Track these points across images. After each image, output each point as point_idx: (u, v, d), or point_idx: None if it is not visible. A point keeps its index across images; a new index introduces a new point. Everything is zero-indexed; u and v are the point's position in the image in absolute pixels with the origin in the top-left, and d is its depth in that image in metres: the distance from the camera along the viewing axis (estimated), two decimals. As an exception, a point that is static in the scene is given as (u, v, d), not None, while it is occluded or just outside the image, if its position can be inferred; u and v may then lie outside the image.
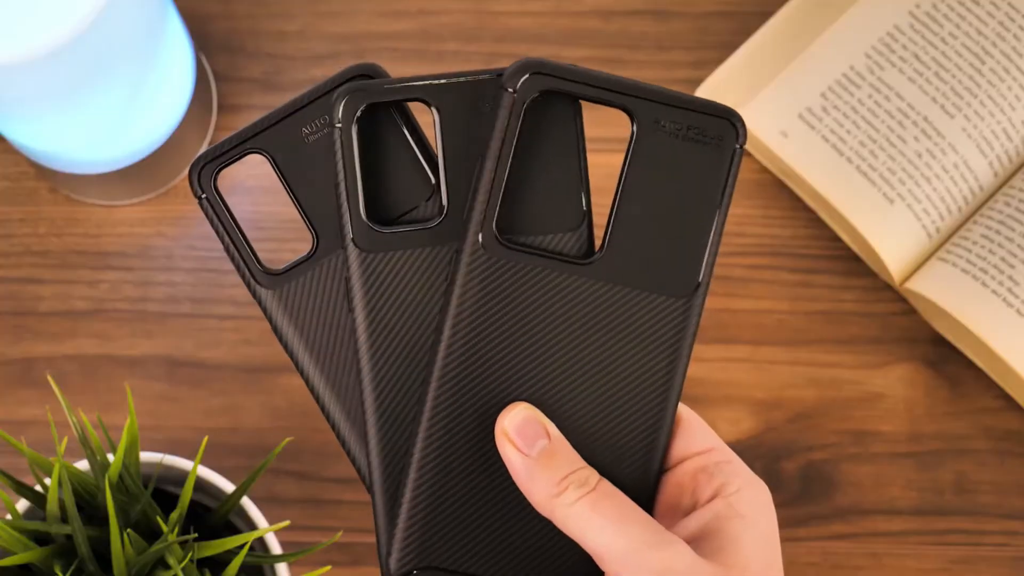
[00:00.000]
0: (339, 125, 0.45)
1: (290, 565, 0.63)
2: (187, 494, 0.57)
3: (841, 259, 0.76)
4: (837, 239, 0.76)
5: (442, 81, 0.46)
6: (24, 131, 0.71)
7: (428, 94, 0.46)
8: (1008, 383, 0.73)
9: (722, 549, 0.44)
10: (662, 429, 0.46)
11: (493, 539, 0.46)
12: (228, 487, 0.62)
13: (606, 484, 0.44)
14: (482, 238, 0.45)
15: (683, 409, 0.47)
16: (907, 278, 0.74)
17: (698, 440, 0.46)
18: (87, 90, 0.66)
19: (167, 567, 0.56)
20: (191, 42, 0.74)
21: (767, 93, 0.75)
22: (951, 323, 0.72)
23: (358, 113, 0.45)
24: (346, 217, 0.46)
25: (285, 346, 0.47)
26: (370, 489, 0.47)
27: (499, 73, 0.45)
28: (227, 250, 0.47)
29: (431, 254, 0.46)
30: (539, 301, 0.45)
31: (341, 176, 0.46)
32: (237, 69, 0.78)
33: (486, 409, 0.45)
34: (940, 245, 0.74)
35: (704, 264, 0.46)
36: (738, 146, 0.46)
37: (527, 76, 0.45)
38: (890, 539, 0.73)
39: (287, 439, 0.64)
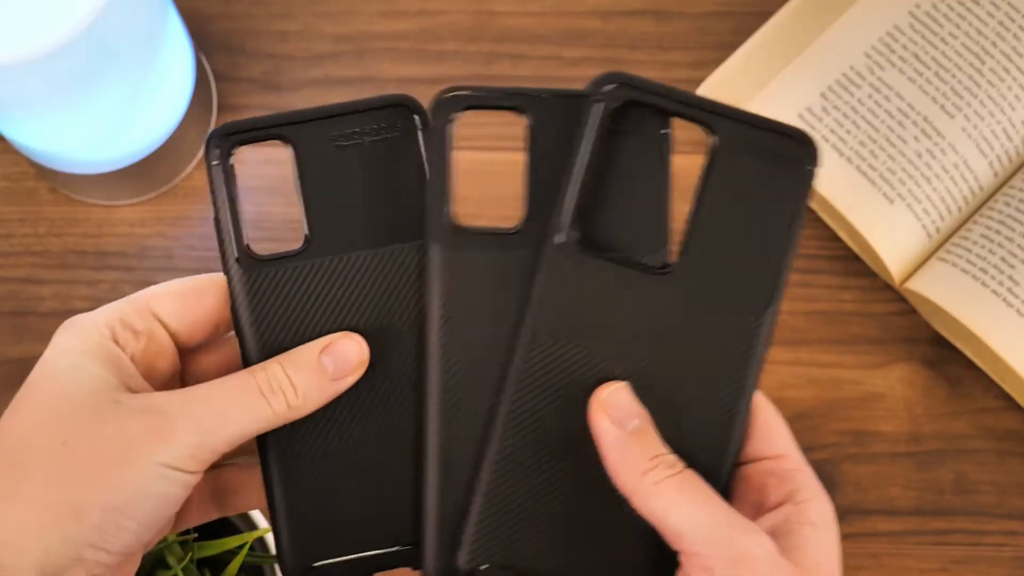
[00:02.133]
0: (433, 124, 0.46)
1: (290, 565, 0.63)
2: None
3: (841, 259, 0.76)
4: (837, 239, 0.76)
5: (539, 94, 0.47)
6: (24, 131, 0.71)
7: (524, 103, 0.47)
8: (1008, 383, 0.73)
9: (793, 549, 0.45)
10: (733, 435, 0.47)
11: (562, 539, 0.46)
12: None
13: (692, 472, 0.45)
14: (563, 241, 0.46)
15: (769, 411, 0.48)
16: (907, 278, 0.74)
17: (775, 444, 0.47)
18: (87, 90, 0.66)
19: (167, 567, 0.56)
20: (191, 42, 0.74)
21: (767, 93, 0.75)
22: (951, 323, 0.72)
23: (451, 116, 0.46)
24: (434, 214, 0.46)
25: (239, 331, 0.47)
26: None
27: (587, 93, 0.47)
28: (217, 222, 0.47)
29: (510, 258, 0.47)
30: (617, 306, 0.46)
31: (433, 174, 0.46)
32: (237, 69, 0.78)
33: (564, 406, 0.46)
34: (940, 245, 0.74)
35: (778, 282, 0.47)
36: (812, 167, 0.46)
37: (613, 87, 0.46)
38: (890, 539, 0.73)
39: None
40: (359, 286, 0.48)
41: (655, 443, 0.45)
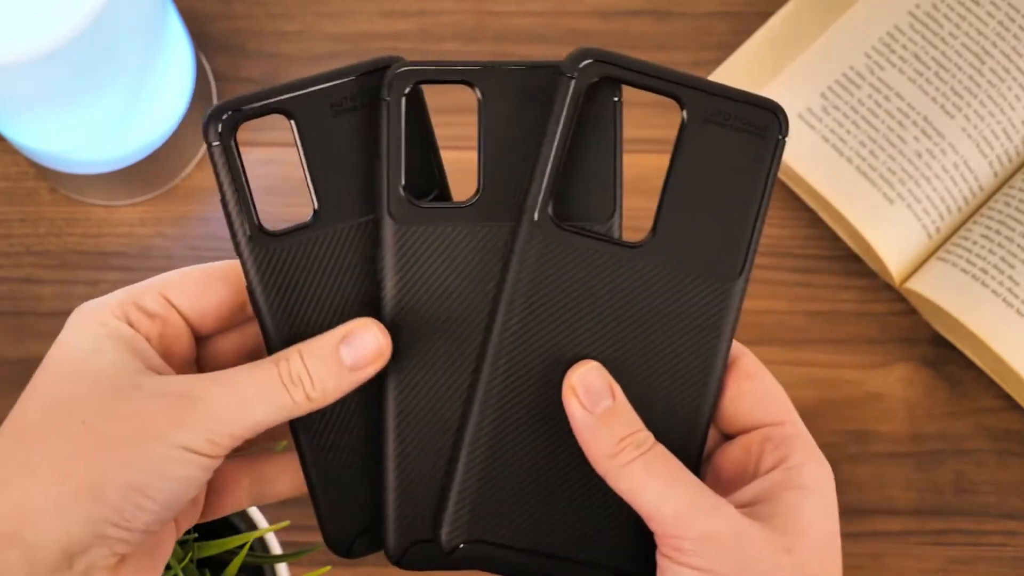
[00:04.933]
0: (388, 99, 0.46)
1: (290, 565, 0.63)
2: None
3: (841, 259, 0.76)
4: (837, 239, 0.76)
5: (490, 66, 0.47)
6: (24, 131, 0.71)
7: (475, 77, 0.47)
8: (1008, 383, 0.73)
9: (776, 515, 0.45)
10: (705, 402, 0.47)
11: (544, 514, 0.47)
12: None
13: (660, 447, 0.45)
14: (538, 218, 0.46)
15: (767, 378, 0.48)
16: (907, 278, 0.74)
17: (773, 411, 0.47)
18: (87, 90, 0.66)
19: (167, 567, 0.56)
20: (191, 42, 0.74)
21: (767, 93, 0.74)
22: (951, 323, 0.72)
23: (407, 89, 0.46)
24: (385, 188, 0.47)
25: (257, 309, 0.47)
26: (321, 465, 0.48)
27: (547, 64, 0.47)
28: (224, 202, 0.47)
29: (465, 232, 0.47)
30: (592, 279, 0.47)
31: (384, 148, 0.46)
32: (237, 69, 0.78)
33: (543, 381, 0.46)
34: (940, 245, 0.74)
35: (748, 250, 0.47)
36: (780, 137, 0.47)
37: (587, 63, 0.46)
38: (890, 539, 0.73)
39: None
40: (370, 251, 0.48)
41: (625, 423, 0.45)
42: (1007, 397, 0.74)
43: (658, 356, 0.47)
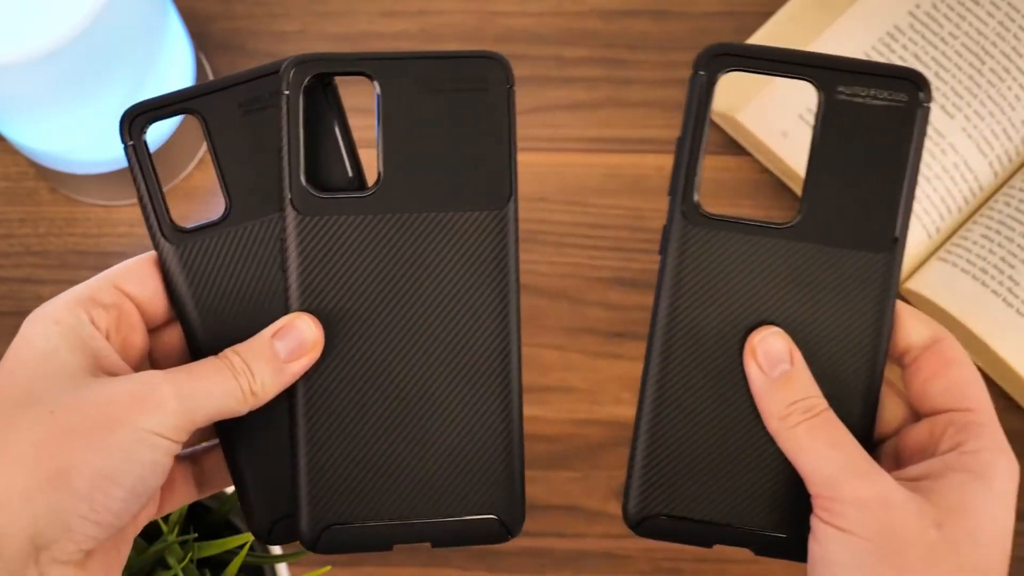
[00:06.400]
0: (287, 92, 0.47)
1: (290, 565, 0.63)
2: (187, 494, 0.57)
3: (841, 259, 0.76)
4: (837, 239, 0.76)
5: (388, 58, 0.48)
6: (24, 131, 0.71)
7: (372, 69, 0.48)
8: (1008, 383, 0.73)
9: (936, 491, 0.45)
10: (876, 370, 0.48)
11: (718, 486, 0.48)
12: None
13: (830, 414, 0.47)
14: (687, 207, 0.48)
15: (967, 367, 0.48)
16: (907, 278, 0.74)
17: (964, 397, 0.48)
18: (87, 90, 0.66)
19: (167, 567, 0.56)
20: (191, 42, 0.74)
21: (767, 93, 0.75)
22: (951, 323, 0.72)
23: (305, 82, 0.47)
24: (287, 180, 0.47)
25: (175, 303, 0.49)
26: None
27: (446, 55, 0.48)
28: (140, 200, 0.49)
29: (367, 221, 0.48)
30: (752, 262, 0.48)
31: (285, 140, 0.47)
32: (237, 69, 0.78)
33: (716, 359, 0.48)
34: (940, 245, 0.74)
35: (900, 217, 0.48)
36: (923, 104, 0.48)
37: (716, 56, 0.48)
38: (890, 539, 0.73)
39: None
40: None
41: (799, 387, 0.47)
42: (1007, 397, 0.74)
43: (824, 329, 0.48)
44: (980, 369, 0.74)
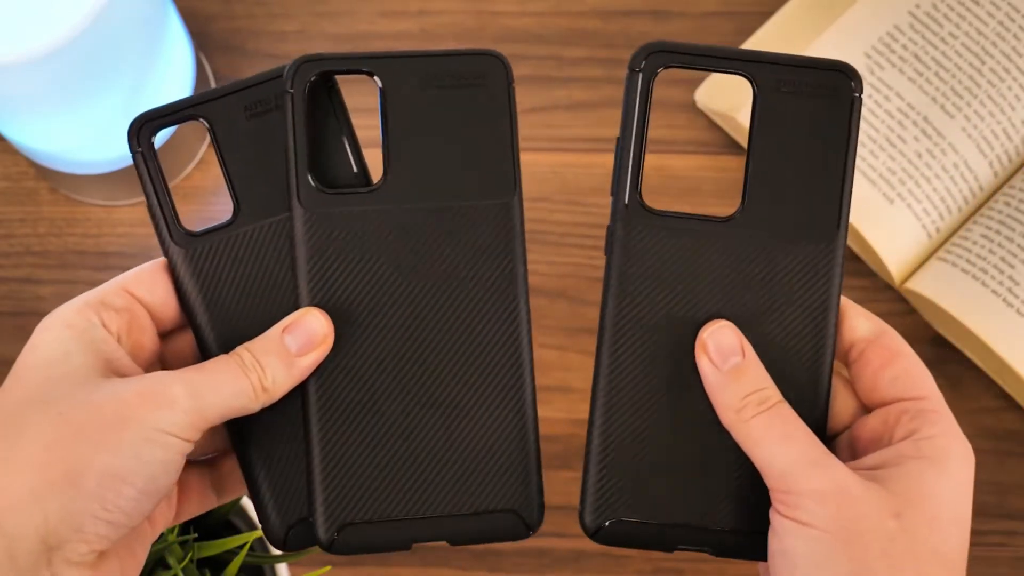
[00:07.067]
0: (291, 91, 0.48)
1: (290, 565, 0.63)
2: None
3: (841, 259, 0.76)
4: (837, 239, 0.76)
5: (391, 56, 0.48)
6: (24, 131, 0.71)
7: (374, 67, 0.48)
8: (1008, 383, 0.73)
9: (892, 480, 0.45)
10: (824, 360, 0.48)
11: (675, 488, 0.48)
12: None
13: (784, 406, 0.47)
14: (629, 205, 0.48)
15: (912, 358, 0.48)
16: (907, 278, 0.74)
17: (914, 387, 0.48)
18: (87, 90, 0.66)
19: (167, 567, 0.56)
20: (191, 42, 0.74)
21: (767, 93, 0.75)
22: (951, 323, 0.72)
23: (309, 81, 0.48)
24: (294, 176, 0.48)
25: (186, 307, 0.49)
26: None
27: (447, 53, 0.48)
28: (150, 205, 0.49)
29: (374, 214, 0.48)
30: (698, 257, 0.48)
31: (291, 138, 0.48)
32: (237, 69, 0.78)
33: (663, 358, 0.48)
34: (940, 245, 0.74)
35: (841, 208, 0.48)
36: (856, 95, 0.48)
37: (650, 55, 0.48)
38: (890, 539, 0.73)
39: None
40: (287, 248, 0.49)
41: (752, 380, 0.47)
42: (1007, 397, 0.74)
43: (772, 320, 0.48)
44: (980, 369, 0.74)
